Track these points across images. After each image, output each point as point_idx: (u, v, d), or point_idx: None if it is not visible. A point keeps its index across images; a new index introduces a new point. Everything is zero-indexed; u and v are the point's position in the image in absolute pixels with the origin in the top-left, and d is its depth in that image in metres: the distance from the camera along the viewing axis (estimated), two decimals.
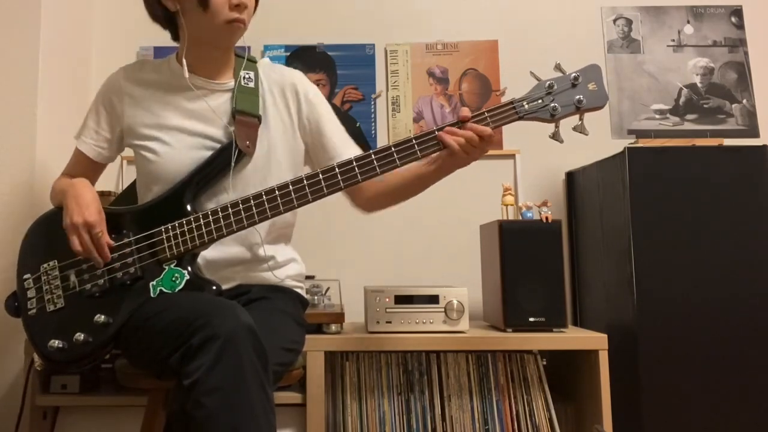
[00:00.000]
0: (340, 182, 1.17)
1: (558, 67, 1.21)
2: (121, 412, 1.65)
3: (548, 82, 1.19)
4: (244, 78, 1.31)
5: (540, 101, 1.18)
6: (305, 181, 1.17)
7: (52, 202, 1.34)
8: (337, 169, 1.17)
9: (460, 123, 1.18)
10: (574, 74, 1.19)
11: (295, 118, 1.34)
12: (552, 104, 1.18)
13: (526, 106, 1.19)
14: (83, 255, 1.17)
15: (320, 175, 1.17)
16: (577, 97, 1.17)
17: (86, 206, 1.18)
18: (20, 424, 1.58)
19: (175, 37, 1.33)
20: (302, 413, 1.58)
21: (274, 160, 1.29)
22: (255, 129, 1.28)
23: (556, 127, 1.20)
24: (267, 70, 1.37)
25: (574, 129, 1.20)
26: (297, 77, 1.37)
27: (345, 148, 1.34)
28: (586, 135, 1.21)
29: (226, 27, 1.21)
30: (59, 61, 1.89)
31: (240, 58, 1.35)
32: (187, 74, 1.27)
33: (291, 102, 1.34)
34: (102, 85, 1.34)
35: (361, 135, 2.18)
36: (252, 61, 1.36)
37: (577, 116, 1.20)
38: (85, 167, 1.36)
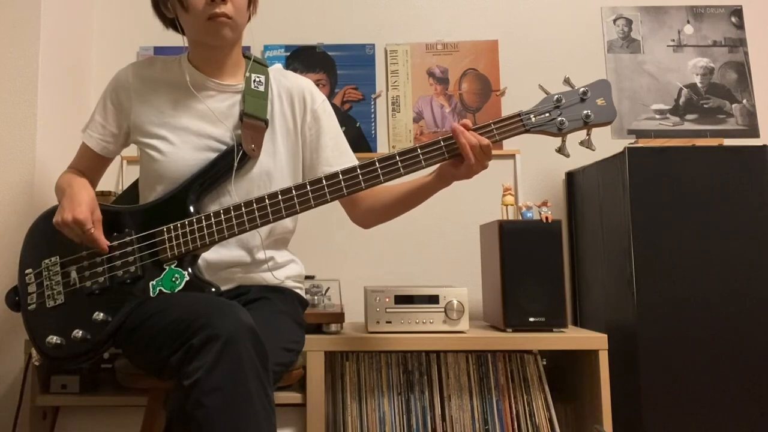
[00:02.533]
0: (344, 188, 1.17)
1: (567, 81, 1.20)
2: (121, 412, 1.65)
3: (556, 96, 1.18)
4: (254, 81, 1.31)
5: (547, 114, 1.18)
6: (308, 186, 1.17)
7: (56, 196, 1.34)
8: (340, 175, 1.17)
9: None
10: (582, 89, 1.18)
11: (299, 125, 1.34)
12: (559, 118, 1.17)
13: (534, 119, 1.18)
14: (91, 241, 1.17)
15: (324, 181, 1.17)
16: (585, 111, 1.17)
17: (77, 204, 1.17)
18: (18, 422, 1.58)
19: None
20: (302, 413, 1.58)
21: (277, 165, 1.29)
22: (261, 133, 1.28)
23: (563, 141, 1.20)
24: (278, 75, 1.37)
25: (581, 144, 1.20)
26: (307, 86, 1.37)
27: (338, 165, 1.29)
28: (593, 150, 1.20)
29: (208, 24, 1.20)
30: (59, 61, 1.89)
31: (250, 61, 1.34)
32: (188, 77, 1.27)
33: (297, 109, 1.34)
34: (111, 79, 1.34)
35: (361, 135, 2.18)
36: (263, 65, 1.36)
37: (584, 131, 1.19)
38: (91, 161, 1.36)
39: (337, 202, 1.30)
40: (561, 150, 1.20)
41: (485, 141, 1.17)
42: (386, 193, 1.33)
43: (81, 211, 1.16)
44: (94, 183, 1.41)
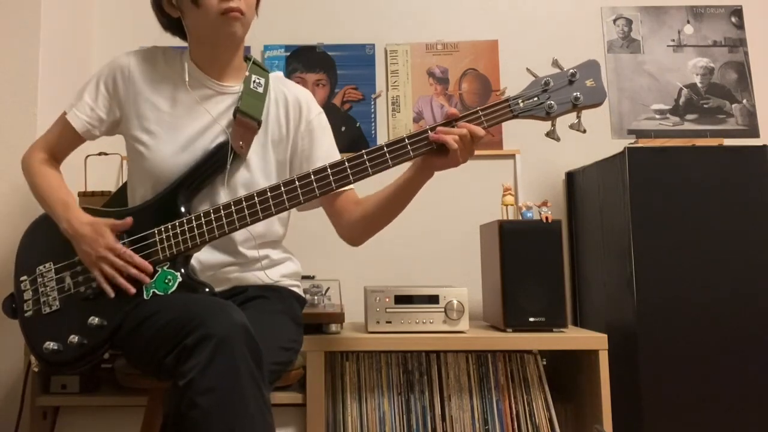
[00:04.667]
0: (332, 182, 1.16)
1: (555, 63, 1.18)
2: (121, 412, 1.65)
3: (544, 79, 1.16)
4: (254, 82, 1.30)
5: (536, 99, 1.16)
6: (297, 182, 1.16)
7: (27, 180, 1.31)
8: (329, 169, 1.16)
9: (452, 123, 1.15)
10: (571, 70, 1.16)
11: (292, 133, 1.33)
12: (548, 102, 1.15)
13: (522, 104, 1.16)
14: (118, 282, 1.14)
15: (312, 176, 1.16)
16: (574, 94, 1.14)
17: (99, 235, 1.16)
18: (20, 424, 1.58)
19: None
20: (302, 413, 1.58)
21: (265, 168, 1.29)
22: (252, 132, 1.27)
23: (552, 125, 1.17)
24: (277, 82, 1.36)
25: (571, 127, 1.17)
26: (304, 97, 1.36)
27: None
28: (583, 133, 1.18)
29: (221, 19, 1.19)
30: (59, 61, 1.89)
31: (250, 62, 1.33)
32: (188, 76, 1.27)
33: (292, 118, 1.33)
34: (108, 62, 1.30)
35: (361, 135, 2.18)
36: (264, 69, 1.35)
37: (574, 114, 1.17)
38: (68, 140, 1.32)
39: (324, 217, 1.29)
40: (551, 134, 1.17)
41: (465, 132, 1.12)
42: (370, 201, 1.29)
43: (107, 239, 1.15)
44: (60, 162, 1.36)
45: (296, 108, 1.33)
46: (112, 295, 1.14)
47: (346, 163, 1.16)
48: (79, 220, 1.20)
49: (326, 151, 1.34)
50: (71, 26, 2.02)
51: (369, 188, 1.31)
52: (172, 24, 1.31)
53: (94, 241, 1.15)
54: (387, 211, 1.29)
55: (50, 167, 1.32)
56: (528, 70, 1.18)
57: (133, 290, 1.14)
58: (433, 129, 1.15)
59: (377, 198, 1.28)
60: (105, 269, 1.14)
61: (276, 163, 1.31)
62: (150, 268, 1.16)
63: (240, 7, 1.20)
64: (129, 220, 1.18)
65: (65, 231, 1.20)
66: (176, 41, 1.35)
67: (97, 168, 2.03)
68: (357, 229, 1.34)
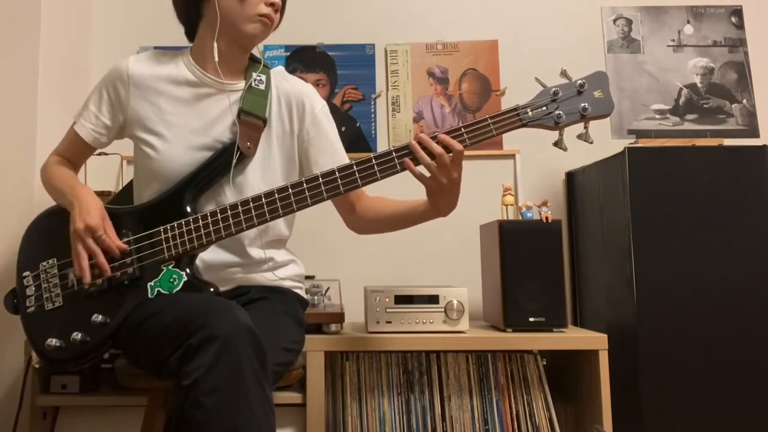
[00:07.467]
0: (340, 186, 1.16)
1: (564, 74, 1.19)
2: (121, 412, 1.65)
3: (553, 89, 1.17)
4: (255, 80, 1.31)
5: (544, 108, 1.17)
6: (305, 185, 1.16)
7: (44, 186, 1.33)
8: (337, 173, 1.16)
9: (458, 130, 1.16)
10: (579, 81, 1.17)
11: (296, 128, 1.33)
12: (557, 111, 1.16)
13: (530, 113, 1.17)
14: (79, 261, 1.15)
15: (320, 179, 1.16)
16: (583, 104, 1.15)
17: (87, 212, 1.17)
18: (18, 423, 1.58)
19: (191, 36, 1.33)
20: (302, 413, 1.58)
21: (271, 165, 1.29)
22: (258, 131, 1.28)
23: (560, 134, 1.19)
24: (279, 78, 1.37)
25: (579, 137, 1.19)
26: (307, 91, 1.37)
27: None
28: (591, 143, 1.19)
29: (255, 19, 1.23)
30: (59, 61, 1.89)
31: (259, 65, 1.34)
32: (190, 75, 1.27)
33: (295, 113, 1.33)
34: (109, 70, 1.32)
35: (361, 136, 2.18)
36: (266, 66, 1.36)
37: (581, 124, 1.18)
38: (79, 149, 1.36)
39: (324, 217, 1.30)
40: (558, 144, 1.19)
41: (439, 151, 1.13)
42: (384, 207, 1.35)
43: (92, 218, 1.16)
44: (77, 169, 1.40)
45: (299, 104, 1.34)
46: (84, 278, 1.14)
47: (355, 167, 1.16)
48: (89, 193, 1.22)
49: (332, 144, 1.37)
50: (71, 28, 2.01)
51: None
52: (192, 12, 1.29)
53: (82, 214, 1.16)
54: (397, 225, 1.37)
55: (63, 166, 1.35)
56: (537, 79, 1.19)
57: (87, 279, 1.14)
58: (433, 135, 1.15)
59: (390, 209, 1.34)
60: (78, 247, 1.15)
61: (282, 160, 1.32)
62: (116, 251, 1.16)
63: (274, 19, 1.26)
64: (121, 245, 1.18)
65: (70, 204, 1.20)
66: (172, 37, 1.35)
67: (97, 168, 2.03)
68: (367, 227, 1.41)
